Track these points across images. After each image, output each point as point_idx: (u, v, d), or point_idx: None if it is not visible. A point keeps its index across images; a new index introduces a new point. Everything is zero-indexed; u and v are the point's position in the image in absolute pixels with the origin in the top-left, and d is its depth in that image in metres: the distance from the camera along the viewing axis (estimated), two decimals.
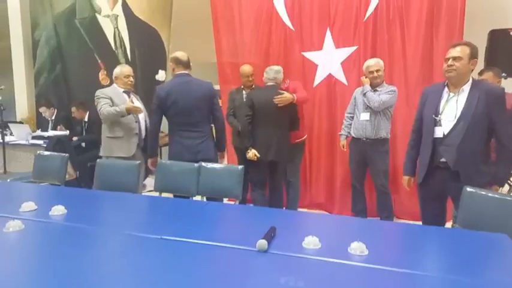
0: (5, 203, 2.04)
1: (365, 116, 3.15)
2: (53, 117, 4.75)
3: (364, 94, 3.13)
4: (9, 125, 4.62)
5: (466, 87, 2.10)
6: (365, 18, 3.48)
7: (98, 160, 2.72)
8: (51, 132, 4.52)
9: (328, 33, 3.61)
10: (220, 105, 4.05)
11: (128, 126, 3.04)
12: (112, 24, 4.76)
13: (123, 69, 3.15)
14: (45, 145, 4.10)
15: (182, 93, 2.72)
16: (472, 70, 2.13)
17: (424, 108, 2.26)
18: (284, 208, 3.39)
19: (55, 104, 4.92)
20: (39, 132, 4.60)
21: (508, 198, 1.76)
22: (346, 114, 3.37)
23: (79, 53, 4.94)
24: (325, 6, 3.59)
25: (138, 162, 2.64)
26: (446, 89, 2.18)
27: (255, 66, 3.49)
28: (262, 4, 3.76)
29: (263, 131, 2.99)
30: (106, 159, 2.93)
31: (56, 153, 3.02)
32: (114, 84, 3.15)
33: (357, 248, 1.41)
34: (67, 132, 4.54)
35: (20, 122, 5.02)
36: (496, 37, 3.54)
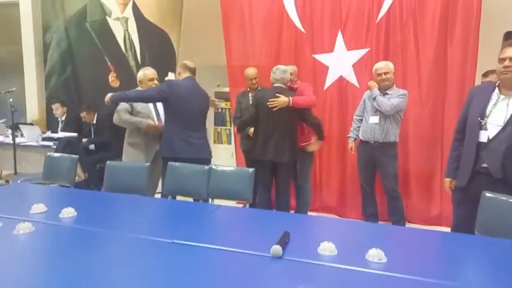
0: (15, 205, 2.03)
1: (374, 119, 3.11)
2: (63, 118, 4.78)
3: (374, 98, 3.07)
4: (20, 126, 4.65)
5: None
6: (377, 20, 3.44)
7: (107, 162, 2.71)
8: (61, 134, 4.53)
9: (340, 35, 3.57)
10: (230, 107, 4.04)
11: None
12: (122, 27, 4.77)
13: (146, 72, 3.16)
14: (54, 146, 4.11)
15: (195, 94, 2.93)
16: None
17: (469, 110, 2.12)
18: (292, 212, 3.34)
19: (66, 105, 4.95)
20: (49, 134, 4.62)
21: None
22: (354, 117, 3.34)
23: (89, 55, 4.96)
24: (337, 8, 3.55)
25: (147, 164, 2.62)
26: (496, 90, 2.03)
27: (265, 69, 3.46)
28: (273, 6, 3.74)
29: (263, 131, 3.01)
30: (115, 162, 2.92)
31: (65, 154, 3.02)
32: (139, 88, 3.16)
33: (375, 255, 1.36)
34: (76, 134, 4.56)
35: (31, 124, 5.05)
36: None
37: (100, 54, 4.90)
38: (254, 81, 3.43)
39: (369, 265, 1.33)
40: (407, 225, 3.34)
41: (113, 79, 4.86)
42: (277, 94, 2.92)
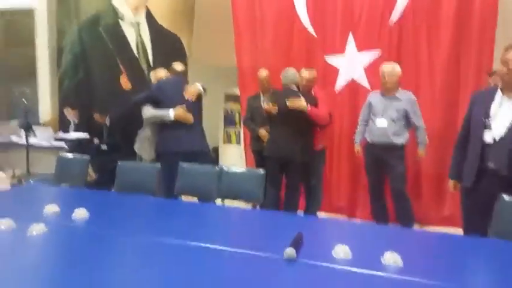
0: (28, 206, 2.04)
1: (382, 123, 3.07)
2: (76, 120, 4.84)
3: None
4: (33, 127, 4.71)
5: None
6: (391, 23, 3.40)
7: (119, 162, 2.73)
8: (72, 135, 4.59)
9: (351, 37, 3.54)
10: (239, 110, 4.05)
11: None
12: (135, 31, 4.84)
13: (157, 74, 3.21)
14: (66, 147, 4.16)
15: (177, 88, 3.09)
16: None
17: (472, 111, 2.13)
18: (301, 211, 3.36)
19: (78, 107, 5.02)
20: (61, 135, 4.68)
21: None
22: (360, 122, 3.28)
23: (102, 59, 5.03)
24: (348, 10, 3.52)
25: (158, 165, 2.62)
26: (499, 93, 2.04)
27: (275, 70, 3.46)
28: (284, 8, 3.72)
29: (275, 129, 3.11)
30: (127, 162, 2.94)
31: (77, 155, 3.04)
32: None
33: (391, 258, 1.33)
34: (87, 134, 4.61)
35: (43, 125, 5.12)
36: None
37: (112, 57, 4.96)
38: (266, 84, 3.45)
39: (385, 269, 1.29)
40: (420, 227, 3.31)
41: (124, 80, 4.91)
42: (298, 94, 2.99)
